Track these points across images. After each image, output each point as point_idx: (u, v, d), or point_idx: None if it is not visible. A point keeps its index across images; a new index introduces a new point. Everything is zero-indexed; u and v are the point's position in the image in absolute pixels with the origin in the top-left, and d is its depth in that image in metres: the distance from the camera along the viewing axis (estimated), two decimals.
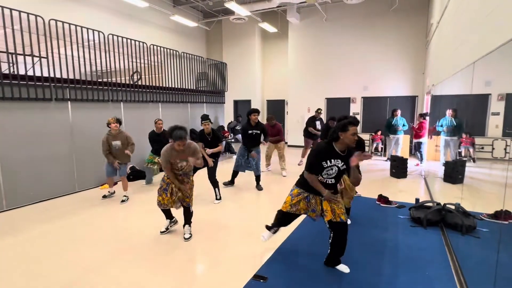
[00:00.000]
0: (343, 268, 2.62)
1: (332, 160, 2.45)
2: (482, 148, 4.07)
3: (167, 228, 3.53)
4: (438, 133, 5.24)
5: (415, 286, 2.43)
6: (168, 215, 3.55)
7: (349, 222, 3.69)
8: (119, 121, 4.57)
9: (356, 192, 4.92)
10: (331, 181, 2.53)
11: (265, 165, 6.73)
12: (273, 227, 2.93)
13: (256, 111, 5.17)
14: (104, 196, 4.86)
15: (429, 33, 7.58)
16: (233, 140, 9.90)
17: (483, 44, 2.50)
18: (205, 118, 4.54)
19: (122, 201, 4.64)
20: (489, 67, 2.77)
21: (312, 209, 2.62)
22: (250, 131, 5.14)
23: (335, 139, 2.44)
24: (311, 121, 7.32)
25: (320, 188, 2.51)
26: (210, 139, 4.57)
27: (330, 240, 2.60)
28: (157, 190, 3.32)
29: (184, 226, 3.38)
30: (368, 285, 2.45)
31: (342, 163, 2.47)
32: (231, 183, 5.56)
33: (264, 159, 6.72)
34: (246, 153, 5.27)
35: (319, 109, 7.47)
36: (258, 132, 5.15)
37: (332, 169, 2.48)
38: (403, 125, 7.52)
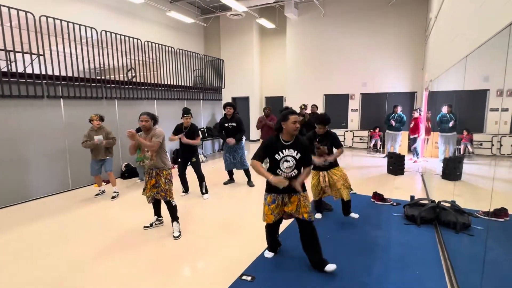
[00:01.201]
0: (329, 268, 2.52)
1: (284, 151, 2.47)
2: (481, 144, 4.00)
3: (151, 224, 3.55)
4: (437, 130, 5.17)
5: (405, 285, 2.38)
6: (157, 211, 3.57)
7: (356, 216, 3.60)
8: (101, 118, 4.66)
9: (351, 189, 4.88)
10: (292, 174, 2.50)
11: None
12: (273, 249, 2.85)
13: (230, 105, 5.16)
14: (97, 195, 4.84)
15: (428, 27, 7.46)
16: None
17: (476, 37, 2.42)
18: (187, 112, 4.51)
19: (113, 197, 4.64)
20: (485, 61, 2.69)
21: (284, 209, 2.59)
22: (226, 124, 5.16)
23: (280, 129, 2.50)
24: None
25: (264, 173, 2.46)
26: (186, 132, 4.50)
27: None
28: None
29: (172, 223, 3.35)
30: (357, 284, 2.40)
31: (296, 152, 2.46)
32: (230, 181, 5.55)
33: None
34: (232, 150, 5.22)
35: (303, 105, 7.24)
36: (234, 124, 5.13)
37: (288, 160, 2.47)
38: (400, 122, 7.41)
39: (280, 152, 2.48)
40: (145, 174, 3.32)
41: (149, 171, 3.26)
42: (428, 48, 7.15)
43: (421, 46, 8.33)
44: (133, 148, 3.23)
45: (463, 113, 4.23)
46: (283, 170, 2.50)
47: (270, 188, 2.58)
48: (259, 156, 2.54)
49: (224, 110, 5.21)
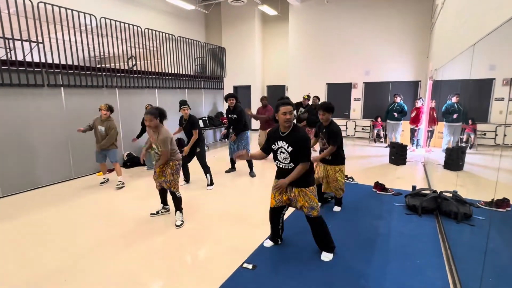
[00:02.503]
0: (323, 255, 2.61)
1: (278, 142, 2.49)
2: (484, 134, 3.97)
3: (157, 212, 3.60)
4: (442, 120, 5.12)
5: (405, 274, 2.40)
6: (163, 199, 3.62)
7: (338, 209, 3.67)
8: (110, 109, 4.61)
9: (353, 179, 4.89)
10: (289, 166, 2.49)
11: None
12: (274, 237, 2.87)
13: (231, 96, 5.15)
14: (102, 183, 4.88)
15: (434, 14, 7.28)
16: None
17: (485, 25, 2.35)
18: (183, 103, 4.48)
19: (118, 186, 4.67)
20: (492, 50, 2.63)
21: (290, 198, 2.58)
22: (230, 115, 5.22)
23: (277, 121, 2.52)
24: (296, 108, 6.96)
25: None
26: (185, 124, 4.49)
27: None
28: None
29: (175, 212, 3.38)
30: (357, 272, 2.42)
31: (287, 144, 2.43)
32: (232, 169, 5.59)
33: (258, 146, 6.65)
34: (237, 139, 5.25)
35: (306, 95, 7.08)
36: (235, 116, 5.14)
37: (283, 152, 2.48)
38: (400, 112, 7.33)
39: (276, 143, 2.51)
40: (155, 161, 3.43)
41: (158, 159, 3.33)
42: (434, 36, 7.00)
43: (427, 34, 8.15)
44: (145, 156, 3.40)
45: (468, 103, 4.17)
46: (280, 160, 2.53)
47: (276, 174, 2.67)
48: (263, 147, 2.68)
49: (226, 102, 5.17)
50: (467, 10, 3.18)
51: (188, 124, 4.46)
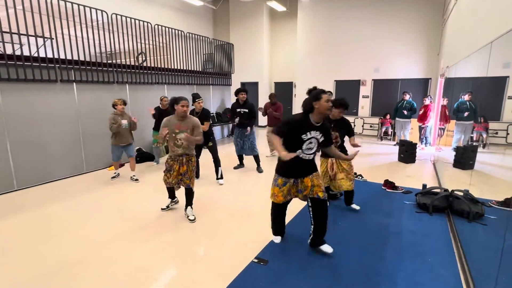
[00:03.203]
0: (326, 248, 2.58)
1: (312, 132, 2.42)
2: (496, 133, 3.92)
3: (167, 206, 3.65)
4: (454, 118, 5.08)
5: (416, 271, 2.40)
6: (171, 194, 3.66)
7: (357, 208, 3.64)
8: (125, 103, 4.68)
9: (362, 177, 4.88)
10: (310, 157, 2.51)
11: (270, 150, 6.65)
12: (278, 232, 2.87)
13: (244, 90, 5.17)
14: (113, 177, 4.96)
15: (446, 11, 7.17)
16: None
17: (504, 22, 2.32)
18: (198, 96, 4.51)
19: (135, 179, 4.81)
20: (508, 47, 2.59)
21: (298, 190, 2.58)
22: (238, 109, 5.21)
23: (310, 110, 2.41)
24: None
25: (279, 147, 2.33)
26: (198, 117, 4.44)
27: (311, 218, 2.62)
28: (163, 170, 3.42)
29: (186, 207, 3.42)
30: (369, 269, 2.43)
31: (321, 135, 2.45)
32: (240, 165, 5.62)
33: (267, 144, 6.64)
34: (243, 135, 5.26)
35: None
36: (246, 110, 5.16)
37: (311, 142, 2.45)
38: (409, 110, 7.26)
39: (308, 133, 2.39)
40: (171, 160, 3.28)
41: (178, 158, 3.26)
42: (446, 33, 6.90)
43: (438, 30, 8.03)
44: (164, 139, 3.20)
45: (480, 101, 4.13)
46: (303, 151, 2.44)
47: (282, 172, 2.58)
48: (281, 132, 2.40)
49: (237, 96, 5.17)
50: (483, 7, 3.14)
51: (201, 117, 4.44)
